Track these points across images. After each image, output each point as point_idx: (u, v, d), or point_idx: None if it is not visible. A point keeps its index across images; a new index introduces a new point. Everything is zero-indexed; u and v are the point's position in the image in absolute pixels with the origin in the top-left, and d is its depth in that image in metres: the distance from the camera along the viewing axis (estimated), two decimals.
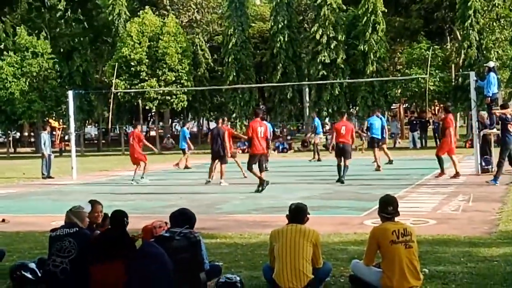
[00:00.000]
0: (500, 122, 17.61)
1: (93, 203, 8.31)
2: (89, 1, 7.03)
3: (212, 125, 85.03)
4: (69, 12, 7.15)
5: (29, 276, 7.68)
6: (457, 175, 19.06)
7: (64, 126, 44.90)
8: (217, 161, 19.93)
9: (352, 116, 47.36)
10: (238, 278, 7.19)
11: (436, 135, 40.08)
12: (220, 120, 21.48)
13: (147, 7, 48.85)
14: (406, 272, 6.48)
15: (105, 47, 47.92)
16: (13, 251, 9.58)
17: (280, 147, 40.54)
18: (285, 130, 48.36)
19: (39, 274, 7.65)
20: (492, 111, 18.98)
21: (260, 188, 16.84)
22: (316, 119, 31.86)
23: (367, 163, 23.93)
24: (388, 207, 6.83)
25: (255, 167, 16.96)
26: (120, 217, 7.43)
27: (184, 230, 6.93)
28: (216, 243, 10.00)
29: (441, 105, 55.13)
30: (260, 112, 18.24)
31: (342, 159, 18.85)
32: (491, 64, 20.46)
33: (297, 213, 7.01)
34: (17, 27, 37.95)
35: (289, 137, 45.26)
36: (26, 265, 7.83)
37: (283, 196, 15.72)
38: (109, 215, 8.71)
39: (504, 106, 18.54)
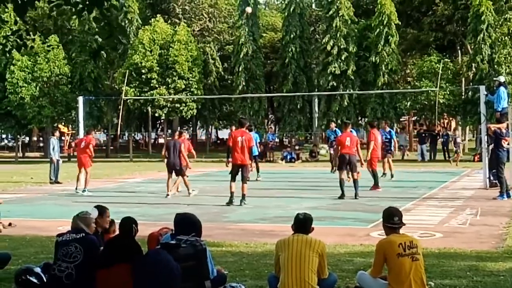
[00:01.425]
0: (494, 136, 17.59)
1: (103, 209, 8.33)
2: (105, 0, 7.05)
3: (221, 134, 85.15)
4: (85, 11, 7.17)
5: (34, 280, 7.69)
6: (377, 187, 20.09)
7: (73, 131, 44.95)
8: (173, 174, 19.23)
9: (361, 128, 47.49)
10: (243, 287, 7.19)
11: (445, 148, 40.09)
12: (177, 133, 20.63)
13: (158, 15, 49.03)
14: (412, 285, 6.46)
15: (116, 54, 48.03)
16: (19, 255, 9.61)
17: (288, 157, 40.52)
18: (293, 140, 48.33)
19: (44, 279, 7.66)
20: (488, 125, 19.05)
21: (228, 202, 16.51)
22: (337, 130, 30.93)
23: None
24: (393, 218, 6.81)
25: (233, 182, 16.54)
26: (129, 224, 7.46)
27: (190, 238, 6.93)
28: (222, 251, 10.00)
29: (450, 118, 55.13)
30: (245, 122, 17.72)
31: (345, 172, 18.18)
32: (502, 78, 20.42)
33: (304, 224, 7.00)
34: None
35: (297, 147, 45.21)
36: (32, 270, 7.84)
37: (290, 206, 15.72)
38: (116, 221, 8.76)
39: (499, 121, 18.53)
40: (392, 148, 25.25)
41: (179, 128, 55.49)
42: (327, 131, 30.10)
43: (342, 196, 17.67)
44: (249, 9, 32.16)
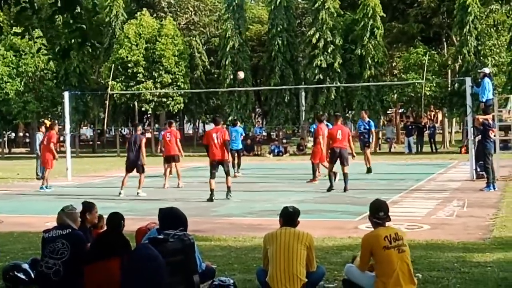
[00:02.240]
0: (482, 128, 17.67)
1: (91, 205, 8.29)
2: (76, 4, 6.92)
3: (208, 128, 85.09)
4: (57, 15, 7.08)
5: (22, 277, 7.68)
6: (314, 180, 20.37)
7: (60, 127, 44.73)
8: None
9: (348, 120, 47.54)
10: (231, 281, 7.20)
11: (432, 140, 40.27)
12: (139, 128, 19.64)
13: (144, 9, 48.82)
14: (400, 277, 6.48)
15: (101, 48, 47.81)
16: (6, 252, 9.57)
17: (276, 151, 40.53)
18: (281, 133, 48.34)
19: (32, 275, 7.65)
20: (476, 117, 19.11)
21: (208, 198, 16.40)
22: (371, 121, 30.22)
23: (361, 168, 23.95)
24: (379, 212, 6.81)
25: (212, 178, 16.47)
26: (117, 219, 7.45)
27: (178, 232, 6.92)
28: (210, 245, 10.00)
29: (437, 110, 55.27)
30: (219, 120, 17.62)
31: (334, 165, 18.10)
32: (487, 70, 20.52)
33: (292, 217, 7.01)
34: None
35: (284, 141, 45.23)
36: (19, 266, 7.82)
37: (278, 200, 15.73)
38: (104, 216, 8.74)
39: (485, 112, 18.61)
40: (370, 139, 24.59)
41: (166, 122, 55.49)
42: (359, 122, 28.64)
43: (330, 189, 17.65)
44: (241, 75, 31.68)
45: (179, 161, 20.90)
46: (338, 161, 17.97)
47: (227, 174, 16.71)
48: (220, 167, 16.68)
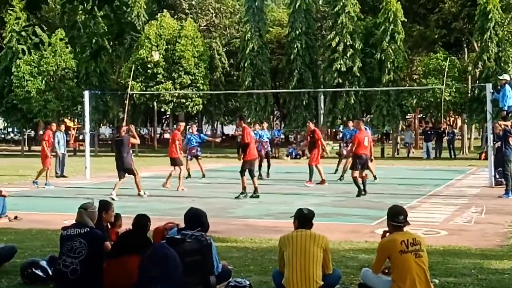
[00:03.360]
0: (502, 134, 17.57)
1: (108, 204, 8.35)
2: None
3: (227, 129, 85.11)
4: (96, 8, 7.19)
5: (40, 273, 7.73)
6: (323, 182, 20.80)
7: (79, 125, 45.01)
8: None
9: (367, 125, 47.38)
10: (247, 283, 7.21)
11: (451, 145, 40.06)
12: (123, 129, 18.58)
13: (165, 10, 49.04)
14: (416, 282, 6.46)
15: (122, 48, 48.10)
16: (25, 249, 9.64)
17: (293, 153, 40.51)
18: (298, 136, 48.29)
19: (50, 272, 7.70)
20: (497, 123, 18.98)
21: (243, 196, 16.99)
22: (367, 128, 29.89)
23: (380, 172, 23.88)
24: (399, 216, 6.80)
25: (254, 177, 17.22)
26: (144, 221, 7.56)
27: (195, 233, 6.95)
28: (227, 246, 10.02)
29: (456, 116, 54.94)
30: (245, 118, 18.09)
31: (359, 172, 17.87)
32: (507, 77, 20.38)
33: (308, 219, 7.01)
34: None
35: (302, 143, 45.17)
36: (37, 263, 7.87)
37: (295, 202, 15.70)
38: (122, 215, 8.81)
39: (505, 118, 18.49)
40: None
41: (184, 123, 55.66)
42: (344, 130, 28.40)
43: (360, 194, 17.27)
44: (155, 56, 30.86)
45: (180, 164, 20.10)
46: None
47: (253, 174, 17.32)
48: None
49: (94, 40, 39.99)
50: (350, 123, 24.94)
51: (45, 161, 21.68)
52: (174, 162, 20.11)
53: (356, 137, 18.01)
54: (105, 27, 43.31)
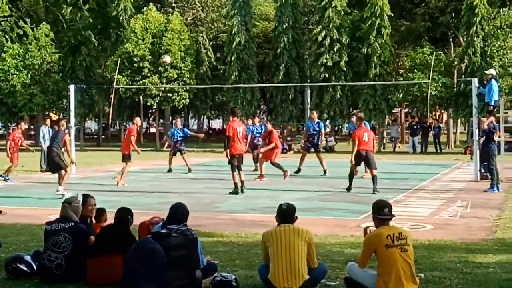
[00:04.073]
0: (487, 130, 17.66)
1: (86, 197, 8.34)
2: None
3: (213, 123, 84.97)
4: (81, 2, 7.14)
5: (24, 268, 7.68)
6: (261, 177, 20.61)
7: (65, 119, 44.80)
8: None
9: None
10: (233, 277, 7.19)
11: (437, 140, 40.20)
12: (63, 123, 17.82)
13: (151, 4, 48.84)
14: (401, 276, 6.46)
15: (108, 42, 47.88)
16: (9, 243, 9.58)
17: (280, 148, 40.45)
18: (285, 131, 48.31)
19: (35, 267, 7.66)
20: (482, 119, 19.07)
21: (234, 191, 16.66)
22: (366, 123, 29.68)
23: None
24: (384, 209, 6.81)
25: (235, 172, 16.64)
26: (125, 214, 7.50)
27: (181, 227, 6.94)
28: (213, 241, 10.00)
29: (442, 111, 55.06)
30: (238, 112, 17.69)
31: (364, 168, 18.15)
32: (493, 72, 20.43)
33: (290, 214, 7.03)
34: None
35: (289, 138, 45.20)
36: (22, 258, 7.82)
37: (282, 197, 15.69)
38: (107, 210, 8.76)
39: (491, 113, 18.55)
40: (319, 142, 23.38)
41: (170, 118, 55.49)
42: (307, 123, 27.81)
43: (349, 189, 17.17)
44: (167, 59, 30.35)
45: (128, 161, 19.60)
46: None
47: (240, 168, 16.79)
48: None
49: (76, 35, 40.02)
50: (313, 114, 24.51)
51: (13, 159, 21.46)
52: (123, 158, 19.65)
53: (354, 134, 17.68)
54: (89, 21, 43.11)
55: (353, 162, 17.28)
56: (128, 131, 20.37)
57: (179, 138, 23.69)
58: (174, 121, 30.30)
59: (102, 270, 7.07)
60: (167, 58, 30.88)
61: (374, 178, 16.99)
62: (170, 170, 23.47)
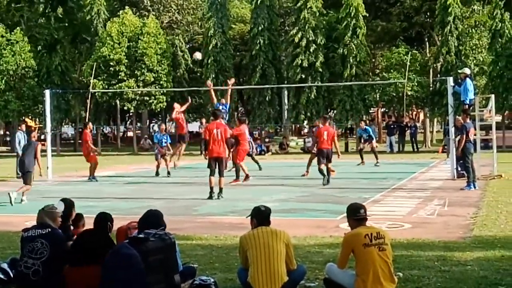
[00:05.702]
0: (463, 129, 17.82)
1: (69, 202, 8.25)
2: None
3: (191, 126, 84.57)
4: (49, 9, 7.05)
5: (1, 276, 7.61)
6: (247, 177, 20.46)
7: (41, 125, 44.44)
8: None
9: (330, 120, 47.65)
10: (212, 280, 7.17)
11: (413, 139, 40.46)
12: (34, 133, 18.14)
13: (127, 7, 48.64)
14: (380, 275, 6.48)
15: (83, 46, 47.58)
16: None
17: (258, 149, 40.47)
18: (263, 132, 48.35)
19: (11, 275, 7.58)
20: (457, 118, 19.28)
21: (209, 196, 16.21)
22: (368, 128, 30.24)
23: (343, 167, 24.00)
24: (359, 210, 6.84)
25: (212, 176, 16.18)
26: (104, 220, 7.43)
27: (159, 231, 6.88)
28: (192, 244, 9.96)
29: (418, 110, 55.34)
30: (219, 114, 17.55)
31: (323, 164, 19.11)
32: (467, 70, 20.62)
33: (266, 216, 7.02)
34: None
35: (267, 140, 45.24)
36: None
37: (261, 199, 15.71)
38: (85, 215, 8.68)
39: (466, 112, 18.70)
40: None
41: (148, 121, 55.18)
42: (358, 130, 30.41)
43: (327, 181, 18.65)
44: (198, 55, 30.72)
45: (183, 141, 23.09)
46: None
47: (221, 174, 16.31)
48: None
49: (51, 33, 39.60)
50: (362, 123, 28.07)
51: None
52: (179, 138, 22.68)
53: (316, 132, 20.18)
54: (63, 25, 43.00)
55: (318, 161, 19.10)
56: (84, 136, 21.68)
57: (164, 144, 24.12)
58: (158, 127, 30.35)
59: (79, 279, 7.00)
60: (198, 55, 31.03)
61: (328, 170, 19.03)
62: (157, 174, 23.68)
